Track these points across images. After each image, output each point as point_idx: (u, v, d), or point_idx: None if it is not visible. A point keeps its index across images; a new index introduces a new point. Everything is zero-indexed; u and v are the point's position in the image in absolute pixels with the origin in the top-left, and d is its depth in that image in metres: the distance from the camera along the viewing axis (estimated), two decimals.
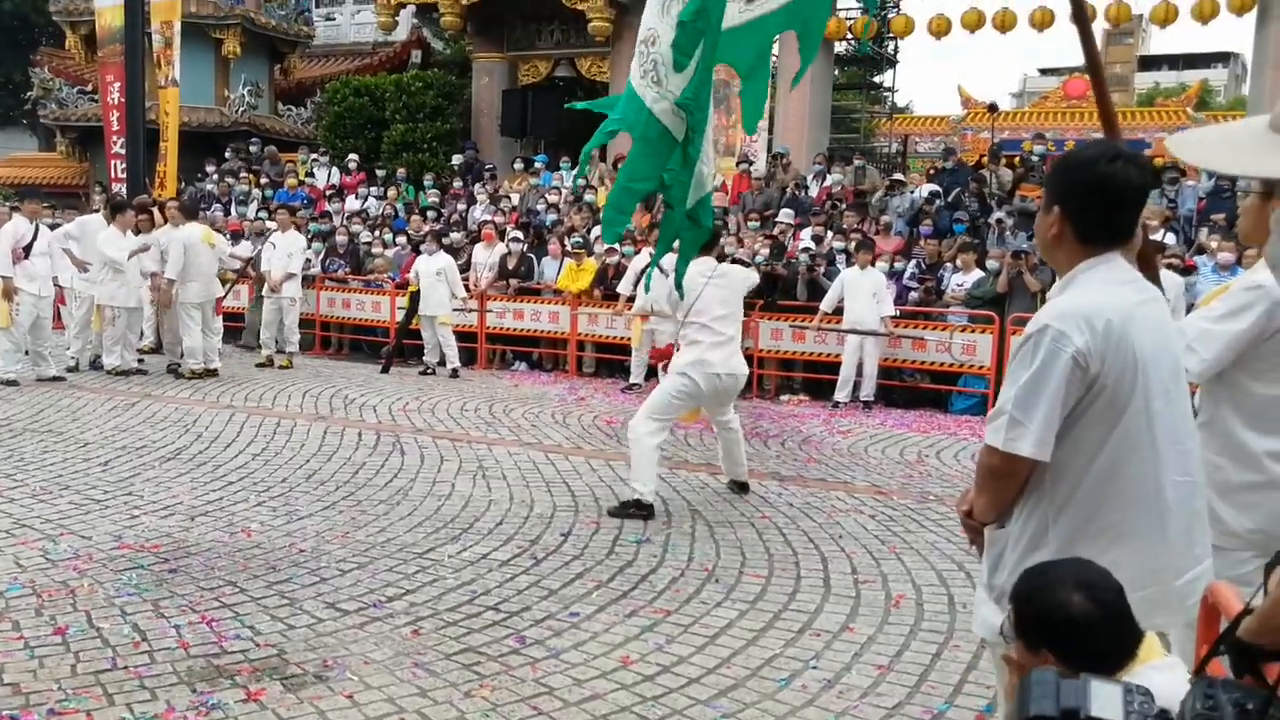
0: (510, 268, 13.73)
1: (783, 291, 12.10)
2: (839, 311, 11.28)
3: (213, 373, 11.73)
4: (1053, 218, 2.46)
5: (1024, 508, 2.45)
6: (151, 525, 6.07)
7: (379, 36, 25.22)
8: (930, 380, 11.60)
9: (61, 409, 9.56)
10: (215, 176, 19.17)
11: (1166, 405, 2.40)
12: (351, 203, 17.47)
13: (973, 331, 11.10)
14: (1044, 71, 57.41)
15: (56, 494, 6.68)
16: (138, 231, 11.93)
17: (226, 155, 20.11)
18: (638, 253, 12.44)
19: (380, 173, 18.81)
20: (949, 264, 12.09)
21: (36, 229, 11.00)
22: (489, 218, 15.24)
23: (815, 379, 12.03)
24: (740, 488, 7.27)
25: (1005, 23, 17.86)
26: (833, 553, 5.95)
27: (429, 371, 12.82)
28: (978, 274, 11.58)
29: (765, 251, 12.42)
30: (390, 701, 3.91)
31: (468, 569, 5.49)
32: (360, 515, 6.44)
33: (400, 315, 13.56)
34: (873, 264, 11.36)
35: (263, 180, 18.80)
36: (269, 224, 14.26)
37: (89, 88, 23.50)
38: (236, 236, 14.82)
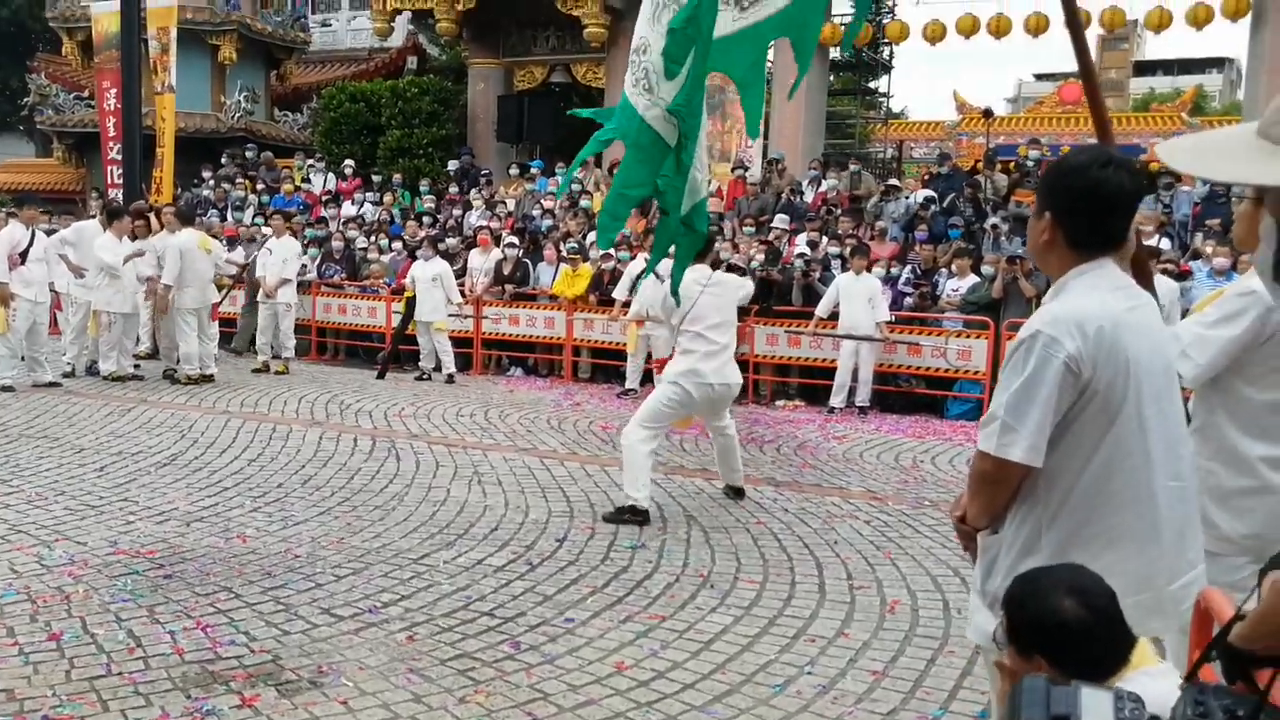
0: (506, 273, 13.73)
1: (778, 297, 12.10)
2: (834, 317, 11.29)
3: (209, 378, 11.72)
4: (1044, 223, 2.47)
5: (1017, 513, 2.45)
6: (147, 531, 6.06)
7: (375, 42, 25.24)
8: (925, 385, 11.62)
9: (57, 415, 9.55)
10: (211, 182, 19.15)
11: (1158, 410, 2.41)
12: (348, 208, 17.46)
13: (968, 337, 11.11)
14: (1039, 77, 57.56)
15: (52, 500, 6.67)
16: (134, 237, 11.95)
17: (223, 161, 20.10)
18: (633, 258, 12.44)
19: (376, 178, 18.81)
20: (944, 269, 12.12)
21: (33, 235, 10.98)
22: (485, 223, 15.24)
23: (811, 384, 12.04)
24: (736, 493, 7.27)
25: (1000, 28, 17.92)
26: (828, 558, 5.95)
27: (425, 377, 12.81)
28: (973, 279, 11.60)
29: (760, 257, 12.43)
30: (385, 707, 3.91)
31: (463, 575, 5.49)
32: (356, 521, 6.44)
33: (396, 321, 13.56)
34: (868, 269, 11.37)
35: (259, 186, 18.80)
36: (264, 229, 14.26)
37: (86, 94, 23.50)
38: (233, 242, 14.82)
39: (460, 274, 13.64)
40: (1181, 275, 10.39)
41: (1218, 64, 60.32)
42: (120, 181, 17.25)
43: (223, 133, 22.35)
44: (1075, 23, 3.37)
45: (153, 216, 12.99)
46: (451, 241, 14.55)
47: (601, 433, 9.49)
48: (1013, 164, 16.18)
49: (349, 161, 19.34)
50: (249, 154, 20.38)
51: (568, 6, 18.52)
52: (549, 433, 9.48)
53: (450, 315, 12.94)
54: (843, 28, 19.75)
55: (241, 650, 4.40)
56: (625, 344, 12.26)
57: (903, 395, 11.67)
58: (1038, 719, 1.49)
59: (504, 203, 16.73)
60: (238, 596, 5.04)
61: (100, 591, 5.03)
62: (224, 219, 17.30)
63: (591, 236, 13.58)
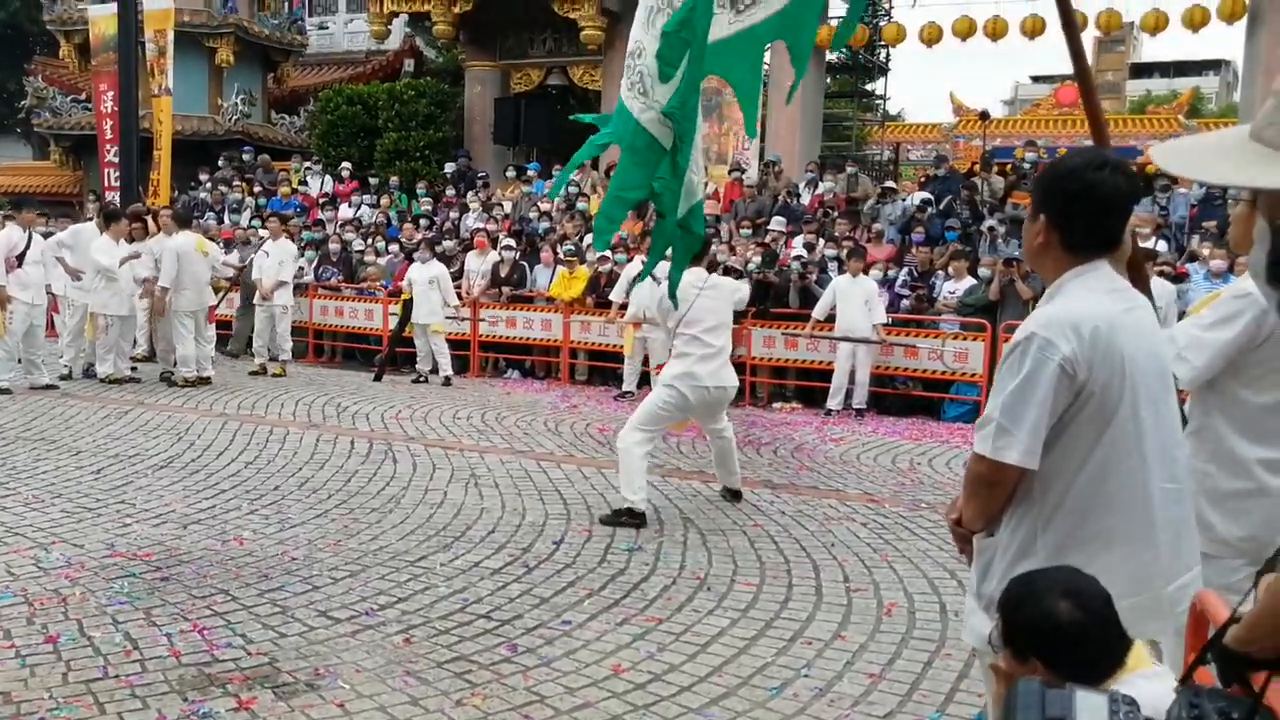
0: (503, 276, 13.73)
1: (775, 299, 12.12)
2: (831, 319, 11.30)
3: (206, 381, 11.72)
4: (1039, 226, 2.47)
5: (1013, 516, 2.45)
6: (144, 533, 6.06)
7: (372, 45, 25.25)
8: (922, 388, 11.62)
9: (54, 417, 9.54)
10: (209, 185, 19.16)
11: (1154, 413, 2.41)
12: (345, 211, 17.47)
13: (965, 339, 11.12)
14: (1036, 79, 57.56)
15: (49, 502, 6.67)
16: (131, 240, 11.94)
17: (220, 164, 20.10)
18: (630, 260, 12.45)
19: (373, 181, 18.80)
20: (941, 271, 12.13)
21: (30, 237, 10.98)
22: (481, 226, 15.25)
23: (808, 387, 12.04)
24: (733, 495, 7.27)
25: (997, 30, 17.93)
26: (825, 561, 5.96)
27: (422, 380, 12.81)
28: (970, 281, 11.62)
29: (757, 259, 12.45)
30: (382, 710, 3.91)
31: (459, 577, 5.49)
32: (353, 523, 6.44)
33: (393, 323, 13.55)
34: (865, 272, 11.38)
35: (256, 189, 18.80)
36: (261, 232, 14.25)
37: (83, 96, 23.47)
38: (229, 245, 14.82)
39: (457, 276, 13.64)
40: (1178, 277, 10.41)
41: (1214, 66, 60.40)
42: (117, 184, 17.20)
43: (220, 135, 22.33)
44: (1071, 25, 3.38)
45: (150, 219, 12.98)
46: (448, 244, 14.55)
47: (598, 435, 9.49)
48: (1009, 166, 16.19)
49: (346, 164, 19.34)
50: (246, 156, 20.37)
51: (564, 9, 18.53)
52: (546, 435, 9.48)
53: (447, 318, 12.94)
54: (843, 36, 19.79)
55: (238, 653, 4.40)
56: (622, 346, 12.26)
57: (900, 397, 11.67)
58: None
59: (501, 205, 16.74)
60: (234, 599, 5.03)
61: (97, 594, 5.03)
62: (221, 221, 17.30)
63: (588, 239, 13.59)
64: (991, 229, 12.56)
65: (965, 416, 10.83)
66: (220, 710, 3.86)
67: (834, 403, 11.29)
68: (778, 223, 13.77)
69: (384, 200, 17.55)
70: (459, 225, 16.13)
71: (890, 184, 15.66)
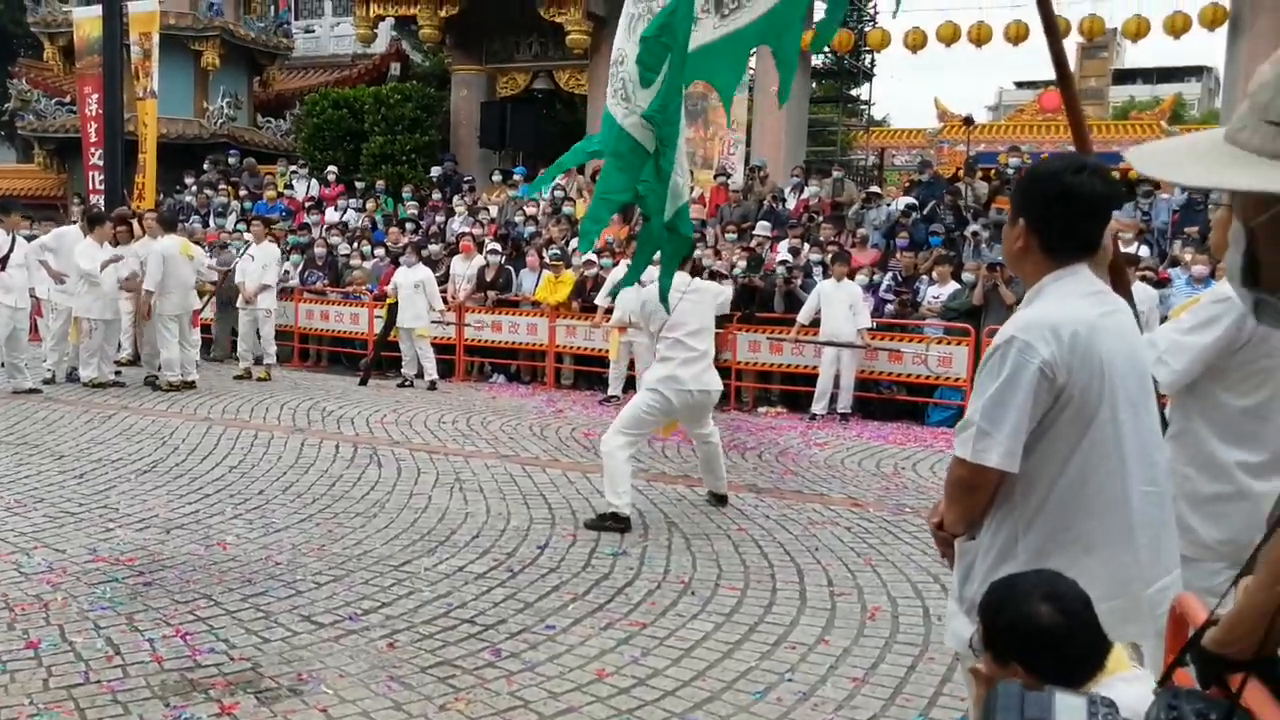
0: (488, 280, 13.72)
1: (760, 303, 12.14)
2: (816, 324, 11.32)
3: (190, 385, 11.67)
4: (1019, 230, 2.48)
5: (994, 519, 2.46)
6: (126, 538, 6.03)
7: (358, 49, 25.21)
8: (906, 392, 11.65)
9: (37, 421, 9.49)
10: (194, 188, 19.09)
11: (1133, 416, 2.42)
12: (330, 215, 17.43)
13: (948, 344, 11.15)
14: (1020, 85, 57.77)
15: (31, 507, 6.63)
16: (116, 243, 11.88)
17: (205, 167, 20.03)
18: (616, 264, 12.45)
19: (359, 185, 18.78)
20: (925, 276, 12.17)
21: (13, 241, 10.93)
22: (467, 230, 15.22)
23: (792, 391, 12.06)
24: (718, 500, 7.27)
25: (981, 36, 18.02)
26: (809, 565, 5.96)
27: (407, 384, 12.78)
28: (953, 286, 11.66)
29: (743, 263, 12.47)
30: (365, 715, 3.90)
31: (444, 582, 5.47)
32: (337, 528, 6.42)
33: (379, 327, 13.52)
34: (849, 276, 11.41)
35: (241, 192, 18.74)
36: (246, 235, 14.19)
37: (67, 99, 23.38)
38: (210, 249, 14.75)
39: (443, 280, 13.62)
40: (1160, 282, 10.46)
41: (1196, 73, 60.75)
42: (102, 187, 17.13)
43: (205, 139, 22.26)
44: (1053, 31, 3.40)
45: (135, 222, 12.93)
46: (434, 248, 14.53)
47: (584, 439, 9.48)
48: (993, 171, 16.24)
49: (332, 168, 19.32)
50: (231, 160, 20.32)
51: (550, 14, 18.55)
52: (531, 439, 9.47)
53: (433, 322, 12.92)
54: (824, 41, 19.87)
55: (221, 658, 4.38)
56: (608, 351, 12.26)
57: (884, 402, 11.70)
58: None
59: (487, 209, 16.72)
60: (217, 604, 5.01)
61: (79, 599, 5.00)
62: (206, 225, 17.24)
63: (574, 243, 13.60)
64: (975, 234, 12.61)
65: (949, 421, 10.85)
66: (202, 715, 3.84)
67: (819, 407, 11.31)
68: (763, 227, 13.81)
69: (370, 204, 17.52)
70: (445, 229, 16.11)
71: (875, 189, 15.69)
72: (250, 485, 7.46)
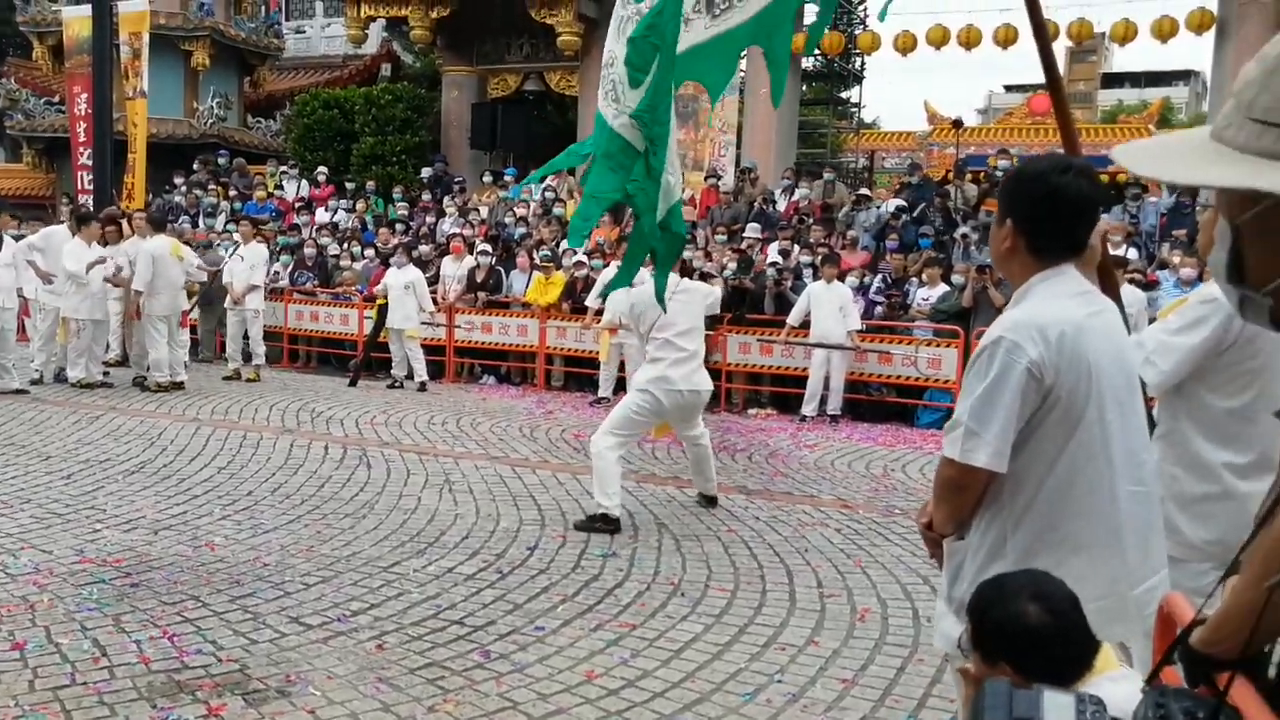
0: (479, 281, 13.71)
1: (750, 305, 12.15)
2: (806, 325, 11.34)
3: (179, 385, 11.63)
4: (1005, 231, 2.48)
5: (982, 519, 2.46)
6: (114, 539, 6.00)
7: (349, 49, 25.18)
8: (896, 394, 11.67)
9: (24, 422, 9.44)
10: (183, 188, 19.04)
11: (1120, 416, 2.42)
12: (321, 215, 17.40)
13: (938, 345, 11.17)
14: (1009, 88, 57.98)
15: (17, 508, 6.60)
16: (105, 243, 11.83)
17: (195, 167, 19.98)
18: (606, 266, 12.45)
19: (349, 185, 18.75)
20: (914, 278, 12.19)
21: (1, 240, 10.89)
22: (458, 231, 15.22)
23: (782, 393, 12.07)
24: (708, 501, 7.27)
25: (970, 40, 18.05)
26: (798, 566, 5.96)
27: (397, 385, 12.76)
28: (943, 288, 11.67)
29: (733, 265, 12.47)
30: (353, 716, 3.89)
31: (433, 583, 5.46)
32: (326, 529, 6.40)
33: (368, 328, 13.50)
34: (839, 278, 11.42)
35: (231, 193, 18.70)
36: (236, 236, 14.16)
37: (56, 99, 23.31)
38: (194, 248, 14.71)
39: (433, 281, 13.61)
40: (1149, 285, 10.50)
41: (1184, 77, 61.06)
42: (91, 187, 17.13)
43: (195, 139, 22.22)
44: (1042, 33, 3.41)
45: (125, 222, 12.89)
46: (424, 249, 14.53)
47: (574, 441, 9.47)
48: (982, 174, 16.28)
49: (322, 168, 19.30)
50: (221, 160, 20.28)
51: (542, 15, 18.53)
52: (521, 441, 9.46)
53: (423, 323, 12.90)
54: (814, 42, 19.89)
55: (209, 659, 4.36)
56: (598, 352, 12.26)
57: (874, 404, 11.71)
58: None
59: (477, 210, 16.71)
60: (205, 605, 4.99)
61: (65, 600, 4.98)
62: (195, 225, 17.19)
63: (564, 244, 13.61)
64: (965, 236, 12.63)
65: (939, 423, 10.86)
66: (189, 717, 3.83)
67: (809, 409, 11.32)
68: (753, 229, 13.82)
69: (360, 205, 17.50)
70: (435, 230, 16.10)
71: (865, 191, 15.73)
72: (239, 486, 7.44)
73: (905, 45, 18.57)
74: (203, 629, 4.69)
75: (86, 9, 16.41)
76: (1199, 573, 2.96)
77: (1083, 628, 1.97)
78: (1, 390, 10.82)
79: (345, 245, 15.34)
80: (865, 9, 27.36)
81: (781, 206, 15.53)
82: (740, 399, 12.25)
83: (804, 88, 23.44)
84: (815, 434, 10.55)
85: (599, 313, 11.65)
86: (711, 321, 10.27)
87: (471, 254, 14.01)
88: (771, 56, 4.90)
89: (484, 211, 16.69)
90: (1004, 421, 2.34)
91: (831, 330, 11.13)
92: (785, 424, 11.11)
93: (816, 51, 20.91)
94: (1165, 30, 16.59)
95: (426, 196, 18.05)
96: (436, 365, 13.45)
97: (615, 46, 4.77)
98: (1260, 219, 1.20)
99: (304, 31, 28.89)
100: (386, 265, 13.42)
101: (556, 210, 15.50)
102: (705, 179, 16.89)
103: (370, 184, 18.63)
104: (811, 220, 14.20)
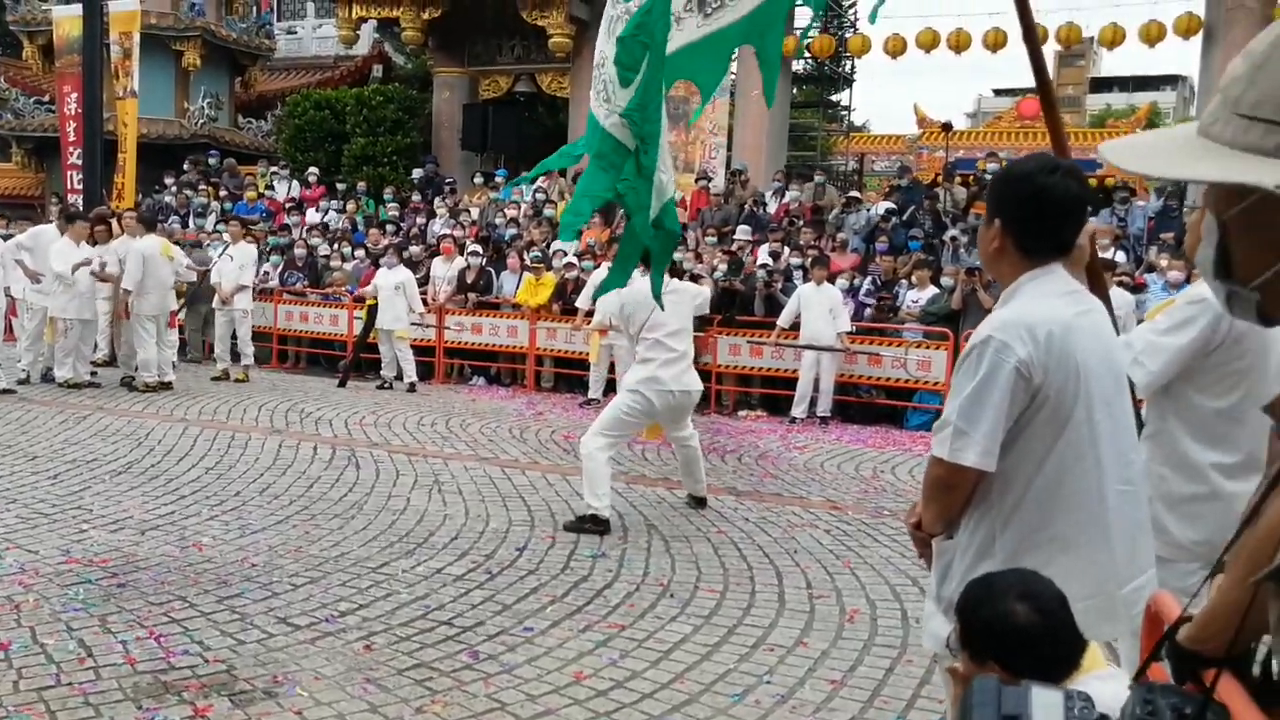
0: (469, 282, 13.69)
1: (740, 307, 12.16)
2: (796, 327, 11.35)
3: (167, 385, 11.59)
4: (994, 230, 2.49)
5: (971, 518, 2.46)
6: (100, 540, 5.98)
7: (340, 50, 25.13)
8: (886, 396, 11.68)
9: (11, 422, 9.40)
10: (174, 188, 18.99)
11: (1108, 416, 2.43)
12: (311, 216, 17.37)
13: (927, 348, 11.19)
14: (998, 92, 58.14)
15: (3, 508, 6.56)
16: (93, 243, 11.79)
17: (185, 167, 19.92)
18: (597, 267, 12.45)
19: (340, 186, 18.72)
20: (904, 280, 12.20)
21: None
22: (448, 231, 15.20)
23: (772, 394, 12.08)
24: (698, 503, 7.27)
25: (960, 43, 18.09)
26: (788, 567, 5.96)
27: (386, 386, 12.74)
28: (932, 290, 11.69)
29: (723, 267, 12.48)
30: (340, 717, 3.87)
31: (421, 584, 5.45)
32: (314, 530, 6.38)
33: (358, 329, 13.47)
34: (829, 280, 11.44)
35: (221, 193, 18.65)
36: (225, 236, 14.12)
37: (46, 98, 23.21)
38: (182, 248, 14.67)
39: (423, 282, 13.59)
40: (1137, 288, 10.53)
41: (1172, 81, 61.27)
42: (80, 187, 17.06)
43: (185, 139, 22.13)
44: (1032, 36, 3.41)
45: (115, 222, 12.84)
46: (415, 249, 14.50)
47: (564, 442, 9.46)
48: (972, 177, 16.32)
49: (313, 169, 19.26)
50: (212, 160, 20.24)
51: (533, 17, 18.54)
52: (510, 442, 9.45)
53: (412, 324, 12.88)
54: (805, 41, 19.92)
55: (195, 660, 4.34)
56: (588, 353, 12.25)
57: (863, 406, 11.73)
58: (989, 719, 1.49)
59: (468, 211, 16.70)
60: (192, 606, 4.97)
61: (51, 600, 4.95)
62: (185, 226, 17.14)
63: (555, 245, 13.61)
64: (954, 239, 12.66)
65: (928, 425, 10.86)
66: (175, 718, 3.81)
67: (798, 410, 11.33)
68: (744, 231, 13.84)
69: (350, 205, 17.46)
70: (426, 231, 16.08)
71: (855, 194, 15.75)
72: (227, 487, 7.41)
73: (895, 48, 18.59)
74: (190, 629, 4.67)
75: (77, 8, 16.34)
76: (1187, 573, 2.96)
77: (1070, 627, 1.97)
78: None
79: (335, 246, 15.31)
80: (855, 12, 27.42)
81: (772, 209, 15.55)
82: (730, 401, 12.25)
83: (794, 90, 23.49)
84: (805, 436, 10.56)
85: (589, 314, 11.65)
86: (701, 323, 10.29)
87: (462, 255, 13.99)
88: (763, 56, 4.90)
89: (475, 212, 16.68)
90: (993, 421, 2.34)
91: (821, 332, 11.14)
92: (775, 426, 11.12)
93: (807, 54, 20.90)
94: (1153, 35, 16.65)
95: (417, 197, 18.03)
96: (426, 366, 13.43)
97: (606, 46, 4.77)
98: (1247, 214, 1.20)
99: (295, 32, 28.83)
100: (377, 266, 13.40)
101: (547, 211, 15.49)
102: (696, 181, 16.90)
103: (361, 185, 18.60)
104: (801, 222, 14.21)
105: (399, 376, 12.76)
